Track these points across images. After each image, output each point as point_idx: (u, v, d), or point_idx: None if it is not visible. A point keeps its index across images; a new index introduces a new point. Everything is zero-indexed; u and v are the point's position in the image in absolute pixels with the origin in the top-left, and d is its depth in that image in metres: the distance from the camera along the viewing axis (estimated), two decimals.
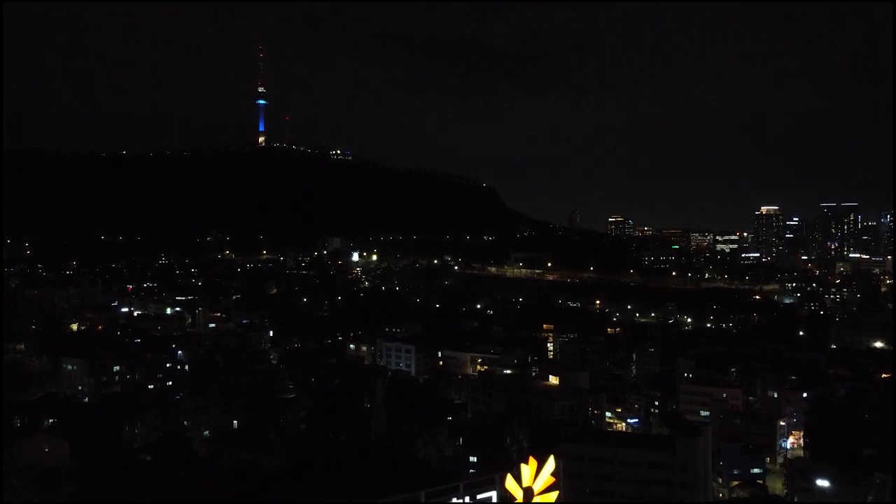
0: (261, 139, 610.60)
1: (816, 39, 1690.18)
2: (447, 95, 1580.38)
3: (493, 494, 33.09)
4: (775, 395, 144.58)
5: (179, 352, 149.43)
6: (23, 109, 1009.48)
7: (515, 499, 33.19)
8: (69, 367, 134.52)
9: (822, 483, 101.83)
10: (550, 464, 33.53)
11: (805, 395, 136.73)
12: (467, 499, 32.38)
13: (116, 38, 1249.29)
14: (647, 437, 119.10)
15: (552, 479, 33.75)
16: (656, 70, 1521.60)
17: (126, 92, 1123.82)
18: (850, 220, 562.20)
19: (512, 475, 33.18)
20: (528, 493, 33.39)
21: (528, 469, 33.10)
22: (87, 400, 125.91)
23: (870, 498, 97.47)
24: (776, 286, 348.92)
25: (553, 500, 33.94)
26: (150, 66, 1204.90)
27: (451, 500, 31.85)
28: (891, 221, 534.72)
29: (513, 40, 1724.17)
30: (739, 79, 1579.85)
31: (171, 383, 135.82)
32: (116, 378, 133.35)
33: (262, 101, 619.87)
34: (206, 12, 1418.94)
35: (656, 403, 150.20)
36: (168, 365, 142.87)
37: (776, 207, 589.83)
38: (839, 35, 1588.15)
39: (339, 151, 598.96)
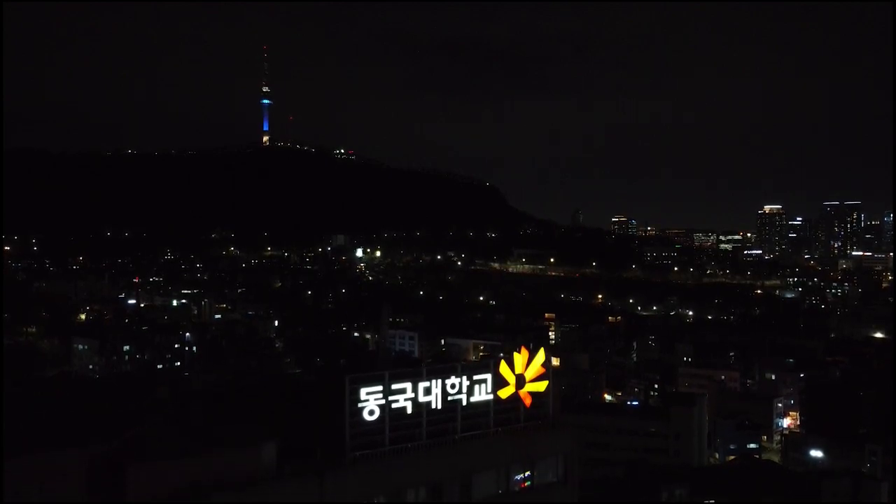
0: (265, 139, 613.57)
1: (819, 39, 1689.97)
2: (451, 96, 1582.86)
3: (489, 377, 35.71)
4: (773, 377, 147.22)
5: (187, 335, 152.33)
6: (25, 110, 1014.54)
7: (509, 383, 35.85)
8: (80, 347, 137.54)
9: (816, 454, 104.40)
10: (541, 355, 36.26)
11: (802, 375, 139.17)
12: (464, 378, 35.01)
13: (119, 39, 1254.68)
14: (643, 409, 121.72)
15: (542, 370, 36.47)
16: (659, 71, 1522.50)
17: (129, 93, 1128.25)
18: (853, 219, 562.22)
19: (505, 361, 35.92)
20: (520, 379, 36.01)
21: (520, 357, 35.80)
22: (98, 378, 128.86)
23: (864, 469, 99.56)
24: (778, 281, 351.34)
25: (543, 388, 36.65)
26: (153, 68, 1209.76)
27: (449, 377, 34.52)
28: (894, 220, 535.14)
29: (516, 42, 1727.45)
30: (743, 79, 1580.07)
31: (179, 364, 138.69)
32: (126, 358, 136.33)
33: (266, 101, 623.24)
34: (209, 13, 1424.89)
35: (656, 386, 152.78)
36: (176, 346, 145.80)
37: (779, 206, 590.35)
38: (841, 34, 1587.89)
39: (342, 151, 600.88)
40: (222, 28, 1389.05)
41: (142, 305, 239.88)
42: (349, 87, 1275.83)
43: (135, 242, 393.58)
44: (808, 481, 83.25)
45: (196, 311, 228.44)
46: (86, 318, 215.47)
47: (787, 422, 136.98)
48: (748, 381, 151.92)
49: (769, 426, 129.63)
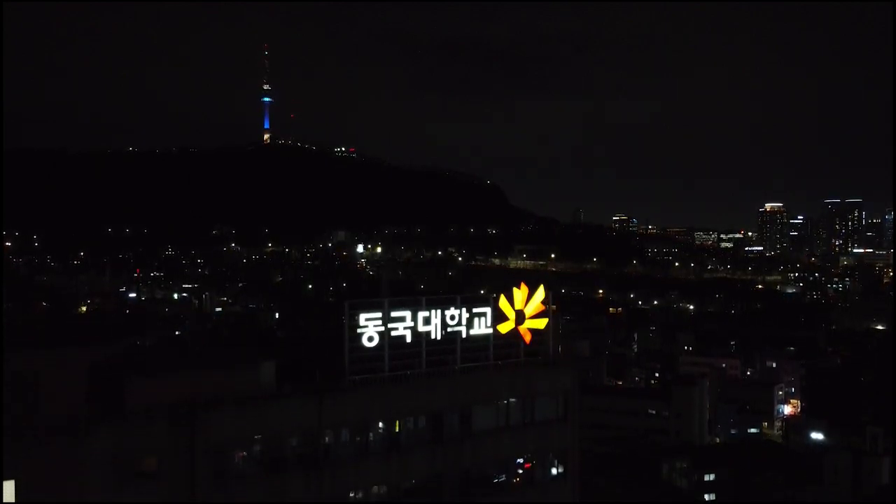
0: (266, 136, 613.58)
1: (819, 39, 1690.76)
2: (451, 96, 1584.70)
3: (489, 310, 35.66)
4: (773, 365, 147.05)
5: (187, 322, 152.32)
6: (26, 110, 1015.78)
7: (508, 318, 35.73)
8: None
9: (817, 436, 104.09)
10: (541, 292, 36.10)
11: (802, 363, 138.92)
12: (464, 310, 35.00)
13: (119, 39, 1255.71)
14: (644, 390, 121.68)
15: (542, 307, 36.35)
16: (659, 71, 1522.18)
17: (129, 93, 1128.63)
18: (854, 217, 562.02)
19: (505, 296, 35.80)
20: (520, 315, 35.84)
21: (520, 293, 35.65)
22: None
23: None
24: (779, 277, 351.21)
25: (543, 326, 36.53)
26: (153, 67, 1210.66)
27: (449, 308, 34.49)
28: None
29: (516, 42, 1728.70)
30: (743, 79, 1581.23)
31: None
32: None
33: (267, 99, 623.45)
34: (209, 13, 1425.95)
35: (657, 375, 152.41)
36: (177, 333, 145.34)
37: (780, 205, 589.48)
38: (841, 34, 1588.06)
39: (343, 149, 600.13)
40: (222, 28, 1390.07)
41: (142, 298, 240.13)
42: (349, 87, 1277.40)
43: (136, 239, 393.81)
44: (807, 457, 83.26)
45: (197, 304, 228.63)
46: (86, 310, 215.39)
47: (787, 409, 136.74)
48: (749, 369, 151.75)
49: (770, 413, 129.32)
